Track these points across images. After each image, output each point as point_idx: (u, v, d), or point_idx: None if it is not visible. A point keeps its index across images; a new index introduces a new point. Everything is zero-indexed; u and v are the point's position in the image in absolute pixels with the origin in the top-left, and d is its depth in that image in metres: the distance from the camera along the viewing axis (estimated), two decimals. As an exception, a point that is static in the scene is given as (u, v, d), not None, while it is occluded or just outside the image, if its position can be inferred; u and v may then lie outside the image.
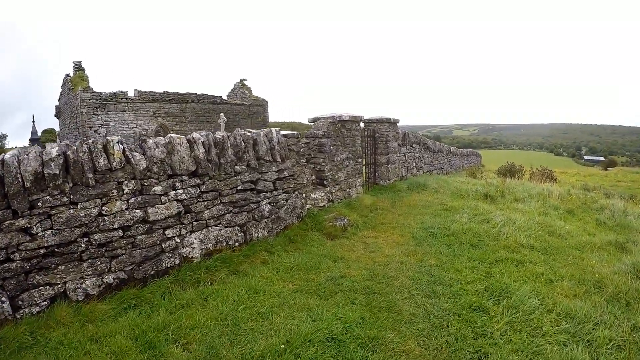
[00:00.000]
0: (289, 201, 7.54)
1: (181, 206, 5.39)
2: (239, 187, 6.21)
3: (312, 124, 9.61)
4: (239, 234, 6.26)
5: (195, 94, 32.66)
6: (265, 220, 6.79)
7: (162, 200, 5.15)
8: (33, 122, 26.66)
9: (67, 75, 29.38)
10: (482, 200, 10.64)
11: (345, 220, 8.27)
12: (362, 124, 10.77)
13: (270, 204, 6.91)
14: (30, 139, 27.19)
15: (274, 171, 6.98)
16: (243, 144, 6.39)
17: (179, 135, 5.59)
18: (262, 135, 6.95)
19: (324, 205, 8.94)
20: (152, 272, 5.04)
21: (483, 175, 17.41)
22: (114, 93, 28.33)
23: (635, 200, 13.79)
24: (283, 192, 7.33)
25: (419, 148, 14.82)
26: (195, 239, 5.56)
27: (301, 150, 8.17)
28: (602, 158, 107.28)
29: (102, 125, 27.85)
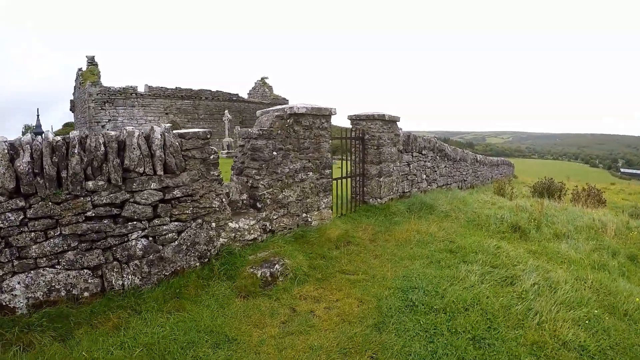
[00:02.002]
0: (183, 234, 4.72)
1: (-4, 238, 3.65)
2: (90, 213, 4.04)
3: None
4: (90, 280, 4.13)
5: (210, 90, 30.39)
6: (137, 261, 4.36)
7: (-32, 230, 3.54)
8: (37, 115, 24.95)
9: (80, 69, 27.86)
10: (508, 236, 7.12)
11: (277, 265, 5.12)
12: (335, 121, 7.54)
13: (147, 238, 4.43)
14: (35, 132, 25.53)
15: (155, 189, 4.42)
16: (102, 148, 4.10)
17: (-7, 137, 3.75)
18: (136, 135, 4.30)
19: (255, 238, 5.78)
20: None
21: (513, 191, 13.31)
22: (123, 88, 26.64)
23: None
24: (173, 221, 4.63)
25: (433, 156, 11.28)
26: (18, 283, 3.81)
27: (211, 157, 5.09)
28: (639, 171, 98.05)
29: (109, 120, 26.14)
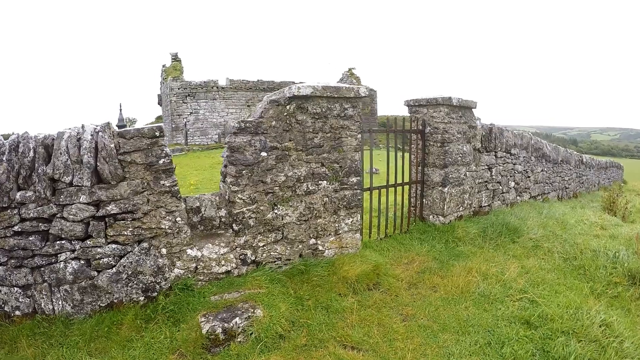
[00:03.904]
0: (123, 260, 3.71)
1: None
2: (16, 228, 3.50)
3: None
4: (22, 300, 3.62)
5: (292, 82, 29.34)
6: (68, 287, 3.62)
7: None
8: (120, 109, 25.84)
9: (164, 65, 28.42)
10: (622, 292, 4.41)
11: (238, 318, 3.52)
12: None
13: (79, 261, 3.62)
14: (117, 125, 26.70)
15: (85, 203, 3.55)
16: (31, 154, 3.51)
17: None
18: (65, 137, 3.54)
19: (229, 271, 4.19)
20: None
21: (628, 206, 9.66)
22: (205, 82, 26.75)
23: None
24: (110, 243, 3.69)
25: (526, 156, 8.58)
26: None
27: (161, 162, 3.70)
28: None
29: (191, 113, 26.46)
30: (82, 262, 3.60)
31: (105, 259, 3.63)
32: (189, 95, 26.23)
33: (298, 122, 4.47)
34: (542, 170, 9.45)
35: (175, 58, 27.90)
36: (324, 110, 4.61)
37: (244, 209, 4.20)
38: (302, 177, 4.53)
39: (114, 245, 3.65)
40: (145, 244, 3.74)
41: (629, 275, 4.67)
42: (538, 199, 9.27)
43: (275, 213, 4.40)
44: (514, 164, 8.18)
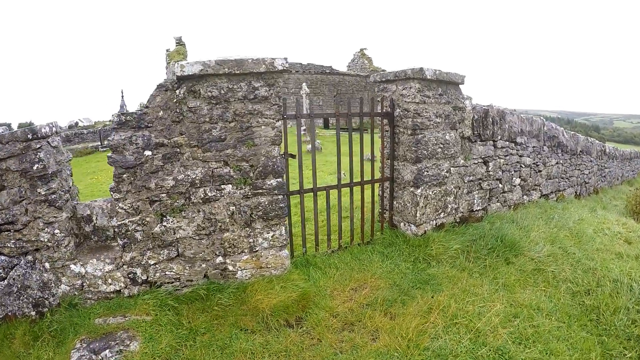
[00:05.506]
0: (12, 272, 3.37)
1: None
2: None
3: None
4: None
5: (300, 63, 28.24)
6: None
7: None
8: (122, 96, 25.22)
9: (167, 50, 27.59)
10: None
11: (109, 350, 2.96)
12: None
13: None
14: (119, 113, 26.20)
15: None
16: None
17: None
18: None
19: (118, 291, 3.55)
20: None
21: None
22: (204, 64, 25.78)
23: None
24: None
25: (537, 146, 7.10)
26: None
27: (35, 167, 3.20)
28: None
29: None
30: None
31: (-6, 271, 3.45)
32: (187, 78, 25.53)
33: (190, 110, 3.38)
34: (557, 163, 7.94)
35: (179, 42, 27.09)
36: (223, 92, 3.46)
37: (127, 220, 3.39)
38: (197, 181, 3.45)
39: (2, 257, 3.41)
40: (30, 257, 3.43)
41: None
42: (551, 197, 7.80)
43: (165, 226, 3.45)
44: (520, 156, 6.75)
